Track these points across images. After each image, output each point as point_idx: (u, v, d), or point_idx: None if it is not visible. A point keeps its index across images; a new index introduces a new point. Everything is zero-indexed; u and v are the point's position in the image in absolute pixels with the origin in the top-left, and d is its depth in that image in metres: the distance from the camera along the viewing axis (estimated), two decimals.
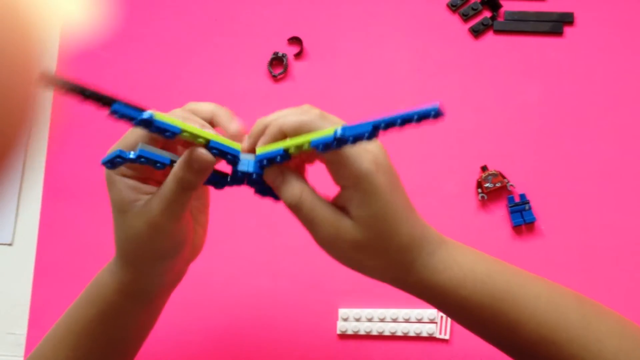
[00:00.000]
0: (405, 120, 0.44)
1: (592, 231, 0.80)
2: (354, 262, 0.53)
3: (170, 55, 0.87)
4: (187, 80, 0.86)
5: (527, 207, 0.79)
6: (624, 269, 0.79)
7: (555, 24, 0.85)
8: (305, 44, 0.86)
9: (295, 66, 0.86)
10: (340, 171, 0.50)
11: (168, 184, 0.51)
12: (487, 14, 0.86)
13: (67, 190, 0.85)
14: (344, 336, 0.79)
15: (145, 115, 0.45)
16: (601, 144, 0.82)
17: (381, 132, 0.45)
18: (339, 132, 0.45)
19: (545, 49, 0.85)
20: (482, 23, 0.86)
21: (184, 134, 0.47)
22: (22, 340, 0.82)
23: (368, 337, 0.78)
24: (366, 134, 0.45)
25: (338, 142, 0.46)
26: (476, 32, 0.86)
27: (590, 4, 0.86)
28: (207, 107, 0.56)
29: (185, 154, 0.50)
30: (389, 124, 0.45)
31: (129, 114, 0.44)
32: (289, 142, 0.48)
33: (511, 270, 0.56)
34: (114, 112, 0.44)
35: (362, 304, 0.79)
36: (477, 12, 0.86)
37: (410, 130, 0.82)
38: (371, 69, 0.86)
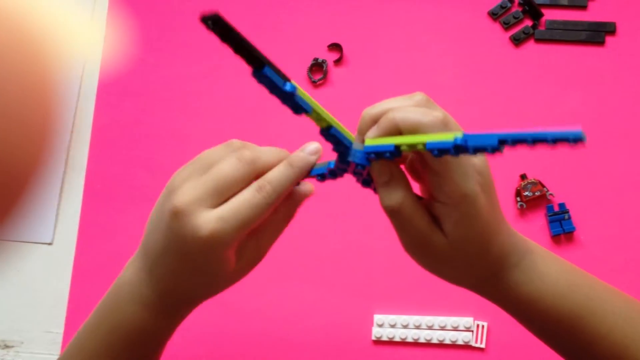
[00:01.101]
0: (538, 139, 0.39)
1: (632, 242, 0.79)
2: (436, 270, 0.52)
3: (212, 60, 0.88)
4: (228, 86, 0.87)
5: (566, 217, 0.79)
6: None
7: (597, 34, 0.85)
8: (345, 50, 0.87)
9: (335, 72, 0.87)
10: (444, 186, 0.47)
11: (278, 222, 0.52)
12: (528, 22, 0.86)
13: (107, 192, 0.86)
14: (378, 342, 0.78)
15: (288, 87, 0.44)
16: None
17: (507, 148, 0.41)
18: (460, 139, 0.41)
19: (586, 58, 0.84)
20: (523, 32, 0.85)
21: (313, 113, 0.47)
22: (59, 339, 0.83)
23: (403, 343, 0.78)
24: (489, 147, 0.41)
25: (456, 150, 0.42)
26: (517, 41, 0.85)
27: (632, 13, 0.85)
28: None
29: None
30: (518, 140, 0.40)
31: (275, 81, 0.44)
32: (402, 140, 0.45)
33: (591, 282, 0.55)
34: (261, 76, 0.43)
35: (397, 310, 0.79)
36: (518, 21, 0.86)
37: None
38: (410, 77, 0.86)
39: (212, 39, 0.88)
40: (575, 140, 0.37)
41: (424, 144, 0.43)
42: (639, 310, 0.56)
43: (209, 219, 0.47)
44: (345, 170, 0.49)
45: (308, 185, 0.51)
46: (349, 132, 0.48)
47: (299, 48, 0.88)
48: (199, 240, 0.47)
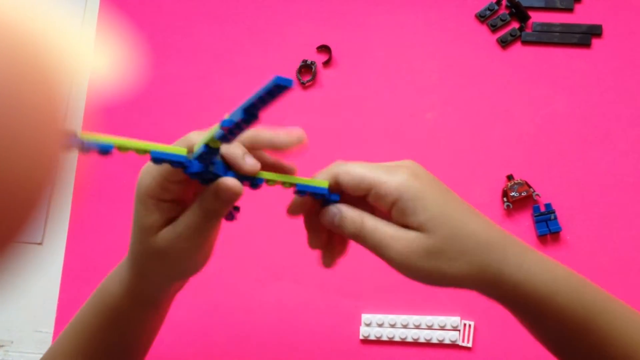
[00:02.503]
0: (258, 104, 0.43)
1: (617, 242, 0.80)
2: (437, 274, 0.50)
3: (201, 62, 0.89)
4: (217, 87, 0.88)
5: (552, 217, 0.79)
6: None
7: (583, 36, 0.85)
8: (334, 52, 0.87)
9: (324, 74, 0.87)
10: (379, 194, 0.49)
11: (195, 214, 0.51)
12: (515, 25, 0.87)
13: (97, 192, 0.86)
14: (366, 341, 0.79)
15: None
16: (627, 155, 0.82)
17: (258, 117, 0.45)
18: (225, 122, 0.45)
19: (572, 60, 0.85)
20: (510, 34, 0.86)
21: (121, 149, 0.46)
22: (49, 338, 0.83)
23: (390, 343, 0.78)
24: (243, 123, 0.45)
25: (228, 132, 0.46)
26: (504, 43, 0.86)
27: (618, 16, 0.86)
28: (245, 135, 0.53)
29: (212, 184, 0.50)
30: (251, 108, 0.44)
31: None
32: (205, 136, 0.48)
33: (595, 285, 0.55)
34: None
35: (385, 309, 0.79)
36: (505, 23, 0.87)
37: (437, 138, 0.83)
38: (399, 78, 0.86)
39: (206, 46, 0.89)
40: (280, 88, 0.41)
41: (211, 138, 0.46)
42: None
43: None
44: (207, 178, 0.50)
45: (228, 180, 0.49)
46: (175, 148, 0.48)
47: (288, 50, 0.88)
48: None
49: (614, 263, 0.79)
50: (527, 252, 0.52)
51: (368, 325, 0.79)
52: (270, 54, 0.88)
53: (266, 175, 0.51)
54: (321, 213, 0.52)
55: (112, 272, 0.60)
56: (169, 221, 0.52)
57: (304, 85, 0.87)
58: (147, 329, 0.62)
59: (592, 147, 0.83)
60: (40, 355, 0.82)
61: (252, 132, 0.52)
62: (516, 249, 0.51)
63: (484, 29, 0.87)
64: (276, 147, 0.52)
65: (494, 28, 0.87)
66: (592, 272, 0.79)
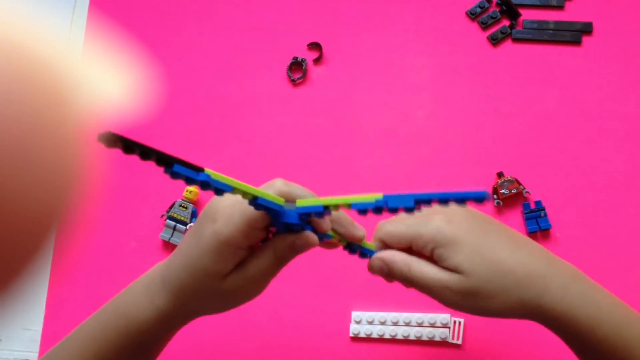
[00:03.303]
0: (448, 199, 0.45)
1: (607, 239, 0.80)
2: (479, 310, 0.54)
3: (191, 59, 0.88)
4: (208, 83, 0.87)
5: (542, 214, 0.79)
6: (638, 278, 0.79)
7: (574, 34, 0.86)
8: (324, 49, 0.87)
9: (314, 71, 0.87)
10: (418, 246, 0.54)
11: (268, 260, 0.53)
12: (505, 22, 0.87)
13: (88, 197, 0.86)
14: (356, 339, 0.79)
15: (202, 177, 0.45)
16: (617, 152, 0.82)
17: (422, 206, 0.46)
18: (380, 200, 0.47)
19: (563, 57, 0.85)
20: (500, 31, 0.86)
21: (235, 191, 0.48)
22: (38, 336, 0.83)
23: (381, 340, 0.78)
24: (406, 208, 0.47)
25: (377, 210, 0.48)
26: (494, 40, 0.86)
27: (608, 13, 0.86)
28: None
29: (296, 236, 0.53)
30: (430, 200, 0.46)
31: (188, 175, 0.45)
32: (330, 201, 0.50)
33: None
34: (173, 173, 0.44)
35: (375, 307, 0.79)
36: (495, 21, 0.87)
37: (428, 135, 0.83)
38: (389, 76, 0.86)
39: (197, 41, 0.88)
40: (479, 199, 0.43)
41: (349, 204, 0.49)
42: None
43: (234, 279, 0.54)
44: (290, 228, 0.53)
45: (311, 237, 0.53)
46: (275, 196, 0.50)
47: (279, 47, 0.88)
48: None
49: (603, 260, 0.79)
50: (572, 282, 0.54)
51: (358, 322, 0.78)
52: (261, 51, 0.88)
53: (332, 233, 0.55)
54: (369, 265, 0.57)
55: (132, 293, 0.59)
56: (236, 265, 0.53)
57: (294, 83, 0.86)
58: (165, 344, 0.62)
59: (582, 145, 0.83)
60: (30, 353, 0.82)
61: (338, 214, 0.55)
62: (559, 280, 0.53)
63: (474, 27, 0.87)
64: (349, 237, 0.56)
65: (484, 25, 0.87)
66: (581, 268, 0.79)
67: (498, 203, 0.80)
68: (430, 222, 0.54)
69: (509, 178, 0.80)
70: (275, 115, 0.86)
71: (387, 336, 0.78)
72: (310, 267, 0.81)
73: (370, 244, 0.58)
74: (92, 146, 0.28)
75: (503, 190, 0.80)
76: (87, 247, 0.84)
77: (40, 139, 0.24)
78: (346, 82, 0.87)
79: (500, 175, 0.81)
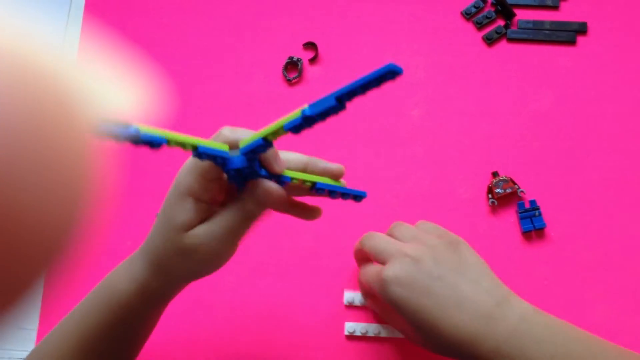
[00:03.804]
0: (365, 85, 0.45)
1: (601, 239, 0.80)
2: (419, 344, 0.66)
3: (186, 58, 0.89)
4: (204, 82, 0.88)
5: (537, 214, 0.80)
6: (633, 277, 0.79)
7: (569, 34, 0.86)
8: (320, 49, 0.87)
9: (310, 71, 0.87)
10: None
11: (234, 216, 0.53)
12: (500, 22, 0.87)
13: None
14: (351, 337, 0.79)
15: (132, 130, 0.43)
16: (612, 152, 0.82)
17: (347, 103, 0.46)
18: (307, 110, 0.47)
19: (557, 57, 0.86)
20: (495, 31, 0.86)
21: (172, 143, 0.47)
22: (33, 335, 0.83)
23: (376, 339, 0.78)
24: (332, 108, 0.46)
25: (307, 121, 0.47)
26: (489, 40, 0.86)
27: (603, 14, 0.87)
28: (298, 158, 0.57)
29: (253, 187, 0.52)
30: (351, 93, 0.46)
31: (114, 131, 0.42)
32: (265, 130, 0.49)
33: (587, 343, 0.60)
34: (103, 132, 0.43)
35: (369, 319, 0.79)
36: (490, 21, 0.87)
37: (423, 135, 0.83)
38: None
39: (193, 41, 0.88)
40: (393, 74, 0.44)
41: (282, 126, 0.48)
42: None
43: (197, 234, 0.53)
44: (240, 177, 0.52)
45: (267, 184, 0.52)
46: (217, 144, 0.49)
47: (275, 46, 0.88)
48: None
49: (597, 259, 0.79)
50: (502, 346, 0.58)
51: (352, 332, 0.79)
52: (257, 50, 0.88)
53: (291, 174, 0.53)
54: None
55: (117, 269, 0.60)
56: (201, 221, 0.53)
57: (290, 82, 0.87)
58: (150, 325, 0.62)
59: (576, 144, 0.83)
60: (26, 353, 0.82)
61: (307, 159, 0.56)
62: (491, 344, 0.58)
63: (469, 27, 0.87)
64: (329, 175, 0.57)
65: (479, 25, 0.87)
66: (576, 267, 0.80)
67: (493, 202, 0.80)
68: (369, 275, 0.67)
69: (504, 177, 0.80)
70: (271, 115, 0.86)
71: (382, 334, 0.78)
72: (305, 265, 0.81)
73: (340, 181, 0.58)
74: (95, 149, 0.28)
75: (498, 190, 0.80)
76: (82, 245, 0.84)
77: (39, 144, 0.24)
78: (342, 82, 0.86)
79: (495, 174, 0.81)
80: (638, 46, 0.86)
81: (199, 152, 0.48)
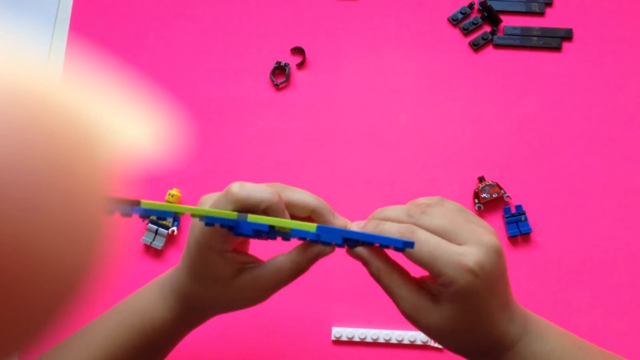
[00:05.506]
0: (375, 242, 0.50)
1: (586, 243, 0.81)
2: (436, 338, 0.55)
3: (176, 62, 0.89)
4: (192, 87, 0.88)
5: (523, 218, 0.80)
6: (617, 282, 0.79)
7: (554, 40, 0.86)
8: (307, 54, 0.88)
9: (297, 76, 0.87)
10: (434, 272, 0.50)
11: (287, 271, 0.55)
12: (487, 28, 0.88)
13: None
14: (338, 342, 0.79)
15: (137, 211, 0.46)
16: (596, 157, 0.83)
17: (347, 246, 0.51)
18: (317, 232, 0.50)
19: (543, 63, 0.86)
20: (482, 37, 0.87)
21: (179, 214, 0.50)
22: None
23: (362, 343, 0.79)
24: (336, 245, 0.52)
25: (312, 239, 0.51)
26: (476, 46, 0.87)
27: (588, 20, 0.87)
28: (306, 201, 0.54)
29: (305, 246, 0.54)
30: (358, 240, 0.51)
31: (125, 211, 0.43)
32: (276, 222, 0.51)
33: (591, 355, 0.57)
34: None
35: (355, 323, 0.79)
36: (477, 27, 0.87)
37: (410, 140, 0.83)
38: (372, 81, 0.87)
39: (181, 45, 0.88)
40: (403, 249, 0.47)
41: (290, 230, 0.51)
42: None
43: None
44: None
45: (326, 248, 0.53)
46: (224, 212, 0.50)
47: (262, 51, 0.89)
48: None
49: (583, 264, 0.80)
50: (520, 340, 0.53)
51: (338, 337, 0.79)
52: (244, 55, 0.89)
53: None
54: (354, 250, 0.54)
55: (145, 294, 0.61)
56: (239, 270, 0.55)
57: (277, 87, 0.87)
58: (176, 344, 0.64)
59: (562, 150, 0.83)
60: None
61: (315, 205, 0.54)
62: (511, 339, 0.53)
63: (456, 32, 0.88)
64: (306, 208, 0.55)
65: (466, 32, 0.88)
66: (561, 271, 0.80)
67: (479, 207, 0.81)
68: (454, 262, 0.49)
69: (490, 182, 0.81)
70: (259, 120, 0.86)
71: (368, 339, 0.78)
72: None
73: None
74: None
75: (484, 195, 0.80)
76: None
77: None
78: (329, 87, 0.87)
79: (481, 179, 0.82)
80: (622, 52, 0.87)
81: (206, 223, 0.50)
